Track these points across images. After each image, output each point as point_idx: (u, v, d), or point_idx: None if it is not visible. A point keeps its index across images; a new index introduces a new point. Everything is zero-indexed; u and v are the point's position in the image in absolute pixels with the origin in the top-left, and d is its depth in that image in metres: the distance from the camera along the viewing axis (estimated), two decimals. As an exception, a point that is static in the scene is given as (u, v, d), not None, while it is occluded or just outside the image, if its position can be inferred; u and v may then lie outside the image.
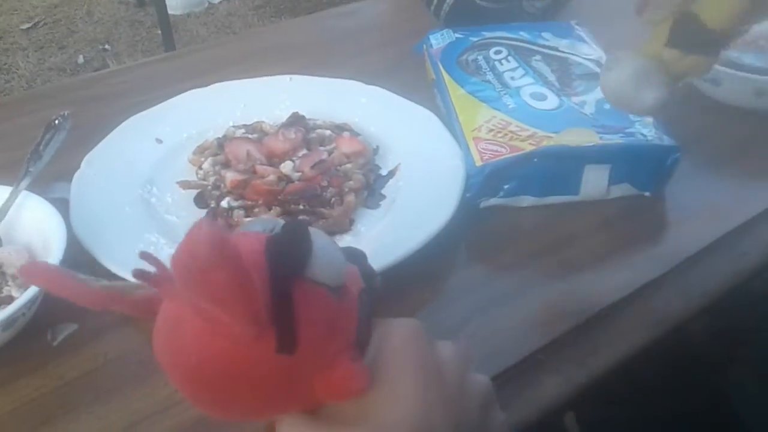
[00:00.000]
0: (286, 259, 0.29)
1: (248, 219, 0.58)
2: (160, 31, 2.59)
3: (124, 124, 0.68)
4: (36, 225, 0.54)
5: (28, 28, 2.99)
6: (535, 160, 0.60)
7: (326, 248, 0.31)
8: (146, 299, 0.31)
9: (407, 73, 0.82)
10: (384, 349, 0.32)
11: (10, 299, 0.49)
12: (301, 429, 0.31)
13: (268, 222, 0.32)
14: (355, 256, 0.35)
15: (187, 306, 0.28)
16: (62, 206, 0.56)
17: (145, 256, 0.29)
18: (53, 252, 0.49)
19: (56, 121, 0.56)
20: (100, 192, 0.60)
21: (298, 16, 1.17)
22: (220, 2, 3.17)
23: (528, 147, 0.60)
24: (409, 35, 0.91)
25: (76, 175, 0.61)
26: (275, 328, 0.28)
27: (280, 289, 0.28)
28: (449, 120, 0.69)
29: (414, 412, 0.30)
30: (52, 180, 0.62)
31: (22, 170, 0.55)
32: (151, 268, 0.29)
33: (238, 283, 0.26)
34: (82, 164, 0.62)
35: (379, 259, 0.53)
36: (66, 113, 0.57)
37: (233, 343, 0.28)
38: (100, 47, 2.81)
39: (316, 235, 0.30)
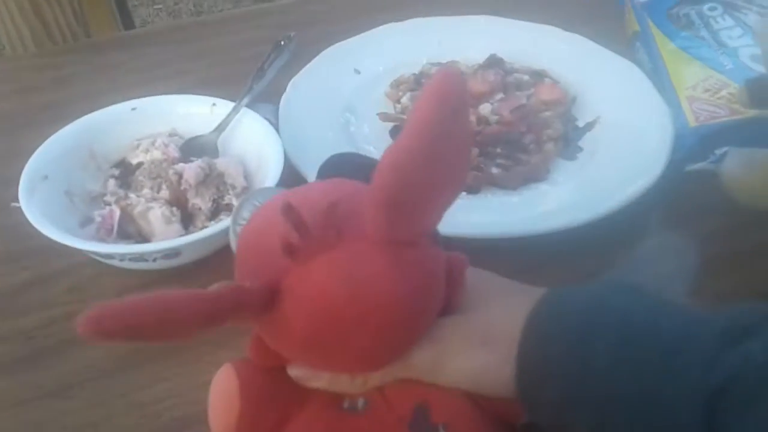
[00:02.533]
0: None
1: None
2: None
3: (324, 53, 0.70)
4: (252, 141, 0.57)
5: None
6: (759, 126, 0.55)
7: None
8: (266, 287, 0.29)
9: (603, 23, 0.78)
10: None
11: (231, 207, 0.52)
12: (460, 329, 0.33)
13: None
14: None
15: (371, 246, 0.28)
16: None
17: (288, 210, 0.27)
18: (270, 169, 0.52)
19: (282, 42, 0.58)
20: (305, 115, 0.62)
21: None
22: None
23: (750, 112, 0.56)
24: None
25: (284, 97, 0.64)
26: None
27: None
28: (656, 75, 0.66)
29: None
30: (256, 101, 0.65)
31: (246, 87, 0.58)
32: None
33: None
34: (288, 87, 0.65)
35: (576, 214, 0.52)
36: (292, 35, 0.59)
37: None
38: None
39: None
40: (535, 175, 0.58)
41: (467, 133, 0.30)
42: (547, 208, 0.55)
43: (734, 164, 0.53)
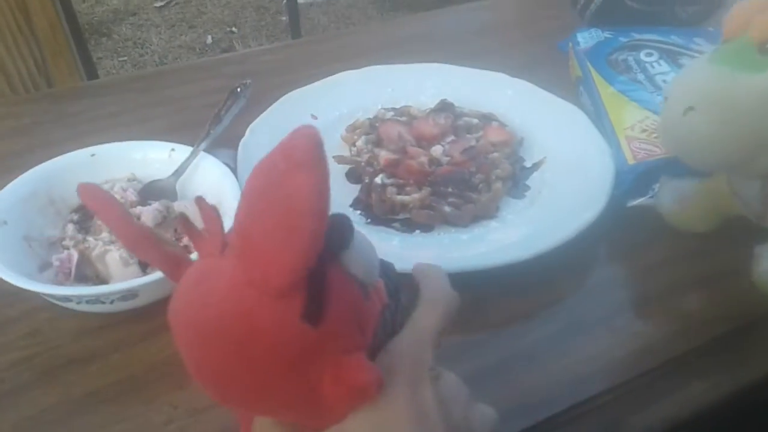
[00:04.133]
0: (328, 236, 0.26)
1: (399, 196, 0.60)
2: (284, 18, 2.69)
3: (282, 98, 0.72)
4: (210, 183, 0.58)
5: (161, 6, 3.16)
6: (692, 163, 0.59)
7: (365, 246, 0.30)
8: (176, 258, 0.31)
9: (548, 70, 0.82)
10: (387, 382, 0.30)
11: (189, 249, 0.53)
12: None
13: None
14: (385, 268, 0.33)
15: (225, 260, 0.28)
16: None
17: (200, 201, 0.31)
18: (228, 210, 0.53)
19: (238, 89, 0.61)
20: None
21: (416, 11, 1.20)
22: (342, -7, 3.25)
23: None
24: (548, 32, 0.92)
25: (242, 141, 0.65)
26: (306, 293, 0.27)
27: (320, 265, 0.27)
28: (597, 117, 0.69)
29: None
30: (215, 147, 0.66)
31: (203, 132, 0.60)
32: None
33: (317, 192, 0.25)
34: (247, 132, 0.67)
35: (524, 249, 0.54)
36: (248, 82, 0.62)
37: (262, 297, 0.26)
38: (227, 29, 2.94)
39: (359, 233, 0.30)
40: (485, 213, 0.60)
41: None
42: (497, 244, 0.57)
43: (668, 198, 0.57)
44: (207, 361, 0.28)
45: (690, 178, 0.58)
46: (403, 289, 0.34)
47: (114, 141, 0.63)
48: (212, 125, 0.59)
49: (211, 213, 0.31)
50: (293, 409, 0.30)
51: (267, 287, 0.26)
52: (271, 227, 0.25)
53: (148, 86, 0.84)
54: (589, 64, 0.76)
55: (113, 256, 0.51)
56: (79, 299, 0.48)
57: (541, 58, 0.88)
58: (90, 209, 0.33)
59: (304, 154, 0.25)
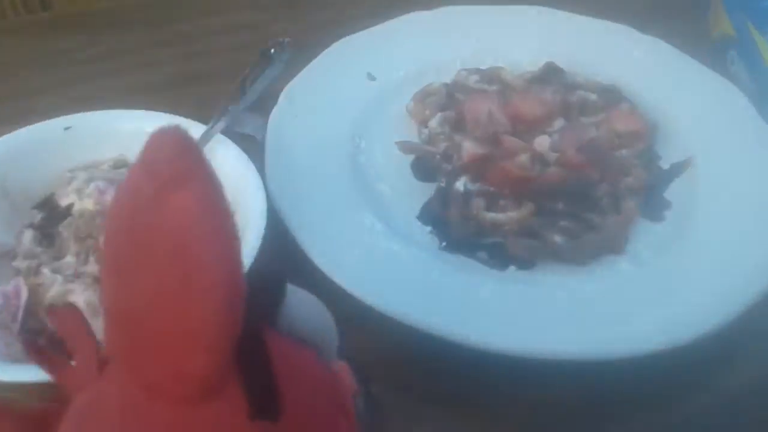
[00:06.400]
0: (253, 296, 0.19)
1: (491, 214, 0.43)
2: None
3: (329, 50, 0.54)
4: (225, 176, 0.41)
5: None
6: None
7: (304, 298, 0.25)
8: (42, 412, 0.24)
9: (677, 22, 0.62)
10: None
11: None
12: None
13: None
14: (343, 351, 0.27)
15: (108, 383, 0.21)
16: (250, 145, 0.44)
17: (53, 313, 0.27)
18: (246, 217, 0.38)
19: (272, 51, 0.42)
20: (300, 139, 0.47)
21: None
22: None
23: None
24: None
25: (274, 112, 0.48)
26: (246, 377, 0.19)
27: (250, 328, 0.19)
28: (760, 97, 0.50)
29: None
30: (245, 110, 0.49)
31: (220, 109, 0.42)
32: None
33: (210, 228, 0.17)
34: (281, 98, 0.49)
35: (678, 324, 0.37)
36: (286, 40, 0.43)
37: (177, 405, 0.19)
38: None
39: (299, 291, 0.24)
40: (610, 246, 0.42)
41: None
42: (632, 302, 0.39)
43: None
44: None
45: None
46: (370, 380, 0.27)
47: (108, 91, 0.49)
48: (232, 98, 0.42)
49: (75, 324, 0.24)
50: None
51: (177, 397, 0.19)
52: (158, 311, 0.17)
53: (156, 17, 0.65)
54: (748, 20, 0.56)
55: (77, 301, 0.35)
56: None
57: (669, 5, 0.67)
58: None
59: (172, 165, 0.16)
